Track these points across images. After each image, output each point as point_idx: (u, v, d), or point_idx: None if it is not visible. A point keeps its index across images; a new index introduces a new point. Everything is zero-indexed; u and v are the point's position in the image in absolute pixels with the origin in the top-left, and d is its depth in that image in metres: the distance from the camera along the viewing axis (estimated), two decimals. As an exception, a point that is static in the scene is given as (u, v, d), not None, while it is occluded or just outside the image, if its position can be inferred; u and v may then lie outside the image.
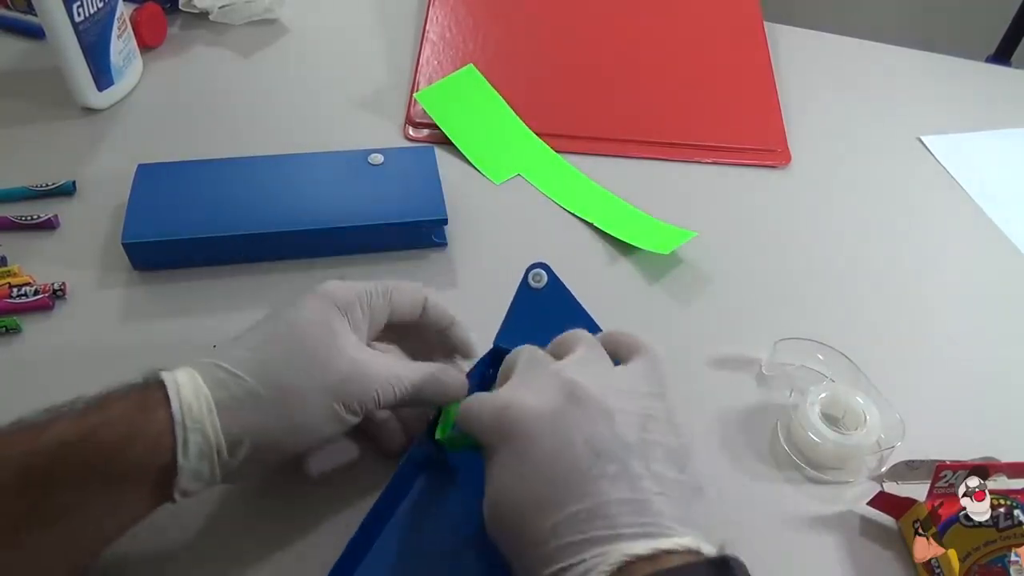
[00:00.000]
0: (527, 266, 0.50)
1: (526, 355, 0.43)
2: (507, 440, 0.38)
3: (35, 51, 0.76)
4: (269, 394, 0.39)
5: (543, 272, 0.49)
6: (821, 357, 0.55)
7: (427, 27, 0.80)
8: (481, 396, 0.42)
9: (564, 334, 0.44)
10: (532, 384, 0.40)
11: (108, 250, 0.59)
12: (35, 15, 0.65)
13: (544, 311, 0.49)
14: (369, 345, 0.45)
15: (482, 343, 0.50)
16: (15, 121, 0.69)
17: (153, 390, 0.38)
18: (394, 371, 0.43)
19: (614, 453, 0.36)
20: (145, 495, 0.38)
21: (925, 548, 0.45)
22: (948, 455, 0.46)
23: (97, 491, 0.37)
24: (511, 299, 0.50)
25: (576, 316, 0.49)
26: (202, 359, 0.41)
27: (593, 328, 0.48)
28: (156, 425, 0.37)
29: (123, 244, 0.56)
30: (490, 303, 0.50)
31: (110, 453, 0.36)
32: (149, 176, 0.60)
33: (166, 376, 0.39)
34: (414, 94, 0.72)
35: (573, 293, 0.50)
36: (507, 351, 0.48)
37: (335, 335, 0.42)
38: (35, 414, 0.38)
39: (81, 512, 0.37)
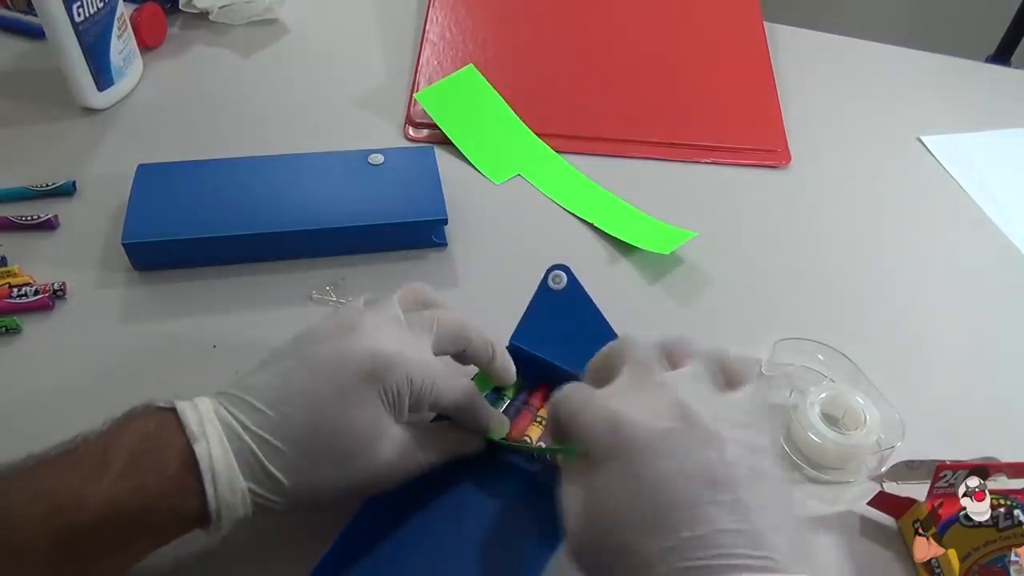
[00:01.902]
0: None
1: (637, 355, 0.41)
2: (616, 456, 0.37)
3: (35, 51, 0.76)
4: (301, 495, 0.40)
5: (563, 274, 0.49)
6: (821, 357, 0.55)
7: (427, 27, 0.80)
8: (585, 396, 0.39)
9: (679, 339, 0.41)
10: (641, 395, 0.38)
11: (108, 250, 0.59)
12: (35, 15, 0.65)
13: (561, 312, 0.49)
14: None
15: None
16: (15, 121, 0.69)
17: (190, 475, 0.37)
18: (420, 459, 0.43)
19: (726, 482, 0.35)
20: (167, 546, 0.40)
21: (925, 548, 0.45)
22: (948, 455, 0.46)
23: (126, 557, 0.38)
24: (512, 298, 0.50)
25: (593, 319, 0.49)
26: (236, 427, 0.39)
27: (609, 332, 0.48)
28: (192, 515, 0.38)
29: (123, 244, 0.56)
30: (490, 303, 0.50)
31: (144, 530, 0.37)
32: (149, 176, 0.60)
33: (201, 455, 0.37)
34: (414, 94, 0.72)
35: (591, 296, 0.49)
36: (523, 350, 0.48)
37: (379, 449, 0.41)
38: (62, 457, 0.37)
39: (103, 571, 0.38)
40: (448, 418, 0.45)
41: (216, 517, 0.38)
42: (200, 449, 0.37)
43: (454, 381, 0.44)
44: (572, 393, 0.40)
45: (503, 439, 0.46)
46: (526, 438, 0.47)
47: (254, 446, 0.38)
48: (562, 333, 0.48)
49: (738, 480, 0.35)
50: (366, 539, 0.43)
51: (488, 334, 0.46)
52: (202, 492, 0.37)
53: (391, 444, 0.41)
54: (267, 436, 0.39)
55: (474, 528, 0.44)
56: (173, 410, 0.39)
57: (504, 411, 0.48)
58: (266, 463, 0.38)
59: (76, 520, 0.35)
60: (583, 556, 0.37)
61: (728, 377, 0.40)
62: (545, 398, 0.49)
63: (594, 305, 0.49)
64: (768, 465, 0.37)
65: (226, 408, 0.39)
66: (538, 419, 0.48)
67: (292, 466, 0.39)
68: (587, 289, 0.50)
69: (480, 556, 0.43)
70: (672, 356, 0.41)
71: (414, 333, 0.44)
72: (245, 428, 0.39)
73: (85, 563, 0.36)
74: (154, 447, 0.38)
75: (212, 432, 0.38)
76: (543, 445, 0.46)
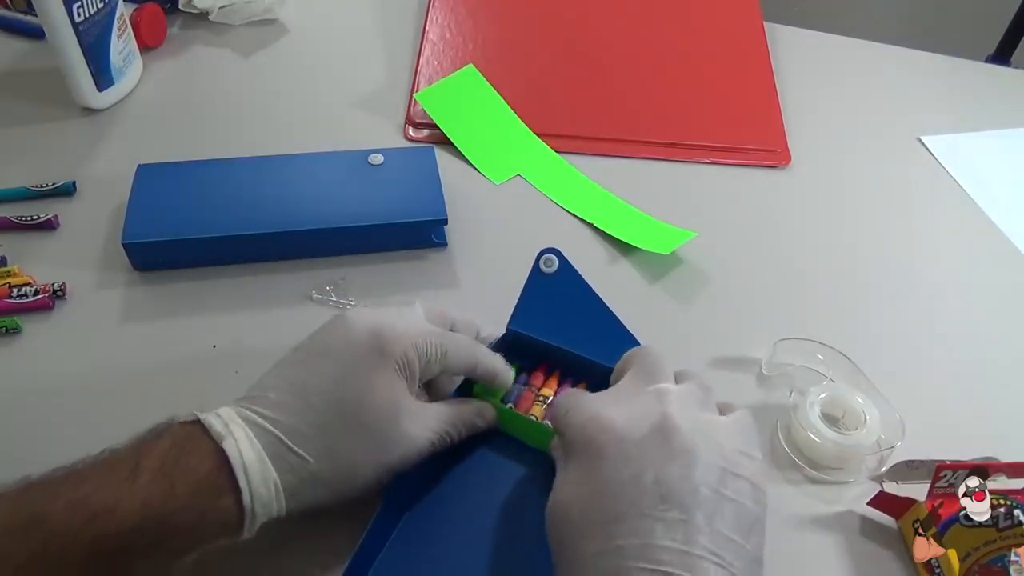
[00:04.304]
0: (536, 253, 0.51)
1: (645, 363, 0.42)
2: (582, 452, 0.38)
3: (35, 51, 0.76)
4: (332, 475, 0.40)
5: (554, 257, 0.50)
6: (821, 357, 0.55)
7: (427, 27, 0.80)
8: (576, 399, 0.41)
9: (687, 369, 0.44)
10: (630, 402, 0.40)
11: (108, 250, 0.59)
12: (35, 15, 0.65)
13: (556, 295, 0.50)
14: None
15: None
16: (15, 121, 0.69)
17: (222, 472, 0.38)
18: (437, 429, 0.44)
19: (681, 500, 0.35)
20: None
21: (925, 548, 0.45)
22: (948, 455, 0.46)
23: (158, 563, 0.38)
24: (512, 298, 0.50)
25: (588, 299, 0.50)
26: (261, 422, 0.39)
27: (606, 311, 0.49)
28: (226, 513, 0.38)
29: (123, 244, 0.56)
30: (490, 303, 0.50)
31: (178, 538, 0.37)
32: (149, 176, 0.60)
33: (231, 451, 0.38)
34: (414, 94, 0.72)
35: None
36: (522, 334, 0.50)
37: (400, 419, 0.42)
38: (93, 468, 0.37)
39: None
40: (463, 393, 0.47)
41: (251, 514, 0.38)
42: (229, 446, 0.38)
43: (457, 339, 0.45)
44: (566, 396, 0.42)
45: (507, 414, 0.47)
46: (531, 416, 0.48)
47: (280, 435, 0.39)
48: (558, 314, 0.49)
49: (696, 499, 0.35)
50: (392, 530, 0.44)
51: (469, 315, 0.48)
52: (235, 488, 0.38)
53: (410, 415, 0.42)
54: (291, 422, 0.39)
55: (497, 506, 0.45)
56: (198, 422, 0.39)
57: (506, 394, 0.49)
58: (294, 447, 0.39)
59: (110, 525, 0.35)
60: (548, 537, 0.38)
61: (720, 407, 0.42)
62: (545, 378, 0.50)
63: (587, 285, 0.50)
64: (738, 492, 0.36)
65: (247, 408, 0.40)
66: (540, 399, 0.49)
67: (319, 447, 0.39)
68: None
69: (503, 531, 0.44)
70: (679, 376, 0.43)
71: (403, 310, 0.46)
72: (269, 420, 0.39)
73: (118, 569, 0.36)
74: (184, 451, 0.38)
75: (238, 430, 0.39)
76: (545, 423, 0.47)
